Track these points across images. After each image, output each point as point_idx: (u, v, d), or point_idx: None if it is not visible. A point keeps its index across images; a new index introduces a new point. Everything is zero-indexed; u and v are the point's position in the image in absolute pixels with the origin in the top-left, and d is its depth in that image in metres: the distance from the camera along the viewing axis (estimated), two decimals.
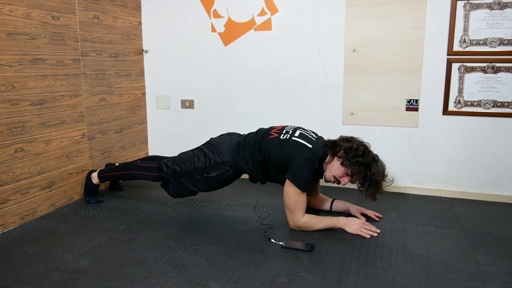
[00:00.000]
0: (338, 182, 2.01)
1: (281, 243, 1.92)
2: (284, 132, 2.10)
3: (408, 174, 2.73)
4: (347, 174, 1.98)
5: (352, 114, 2.76)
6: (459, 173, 2.63)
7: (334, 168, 2.00)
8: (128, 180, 2.62)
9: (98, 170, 2.53)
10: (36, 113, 2.26)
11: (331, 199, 2.34)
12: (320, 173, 2.10)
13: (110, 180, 2.53)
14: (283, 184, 2.05)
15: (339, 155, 1.99)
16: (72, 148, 2.52)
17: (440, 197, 2.65)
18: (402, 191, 2.75)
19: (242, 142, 2.17)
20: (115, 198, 2.59)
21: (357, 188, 2.03)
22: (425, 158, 2.68)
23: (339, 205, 2.31)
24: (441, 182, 2.67)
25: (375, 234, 2.03)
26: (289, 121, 2.91)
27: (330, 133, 2.82)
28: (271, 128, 2.18)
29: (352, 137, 2.07)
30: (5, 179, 2.09)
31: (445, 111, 2.58)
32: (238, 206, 2.45)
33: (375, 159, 1.98)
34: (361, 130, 2.76)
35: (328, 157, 2.03)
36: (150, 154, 3.34)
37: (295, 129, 2.12)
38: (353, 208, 2.25)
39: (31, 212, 2.25)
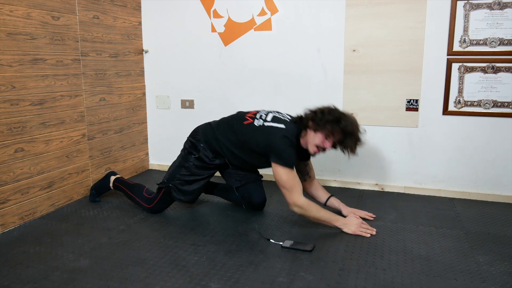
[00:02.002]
0: (324, 150, 2.04)
1: (281, 243, 1.92)
2: (258, 118, 2.14)
3: (408, 174, 2.73)
4: (325, 138, 2.00)
5: (352, 114, 2.75)
6: (459, 173, 2.63)
7: (311, 138, 2.03)
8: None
9: (117, 177, 2.54)
10: (36, 113, 2.26)
11: (329, 194, 2.33)
12: (303, 151, 2.13)
13: (119, 190, 2.52)
14: (259, 167, 2.23)
15: (309, 125, 2.03)
16: (72, 148, 2.52)
17: (440, 197, 2.65)
18: (402, 191, 2.75)
19: (214, 125, 2.26)
20: (115, 198, 2.59)
21: (340, 150, 2.05)
22: (425, 158, 2.68)
23: (334, 202, 2.30)
24: (441, 182, 2.67)
25: (374, 233, 2.04)
26: None
27: None
28: (246, 113, 2.22)
29: (316, 107, 2.10)
30: (5, 179, 2.10)
31: (445, 111, 2.58)
32: (238, 206, 2.45)
33: (343, 113, 2.02)
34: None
35: (302, 132, 2.07)
36: (150, 154, 3.34)
37: (267, 113, 2.16)
38: (346, 210, 2.25)
39: (31, 212, 2.25)
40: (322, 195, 2.33)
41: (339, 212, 2.25)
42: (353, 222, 2.07)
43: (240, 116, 2.21)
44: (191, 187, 2.24)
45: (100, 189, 2.55)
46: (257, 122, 2.11)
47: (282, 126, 2.05)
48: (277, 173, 2.01)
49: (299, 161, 2.25)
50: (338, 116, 1.99)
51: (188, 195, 2.26)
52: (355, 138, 1.99)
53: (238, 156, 2.18)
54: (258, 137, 2.07)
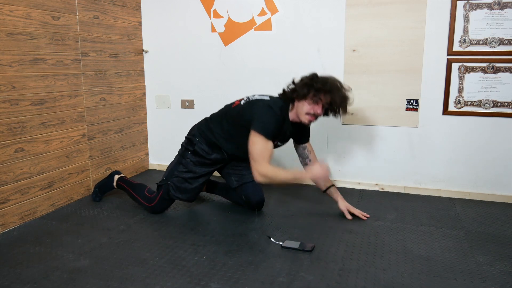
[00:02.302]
0: (316, 116, 2.06)
1: (281, 243, 1.92)
2: (245, 99, 2.17)
3: (408, 174, 2.73)
4: (313, 103, 2.02)
5: (352, 114, 2.76)
6: (459, 173, 2.63)
7: (300, 109, 2.05)
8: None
9: (120, 176, 2.54)
10: (36, 113, 2.26)
11: (331, 183, 2.31)
12: (298, 127, 2.18)
13: (122, 190, 2.52)
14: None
15: (294, 97, 2.06)
16: (72, 148, 2.52)
17: (440, 197, 2.65)
18: (402, 191, 2.75)
19: (209, 118, 2.31)
20: (115, 198, 2.59)
21: (332, 115, 2.09)
22: (425, 158, 2.68)
23: (333, 192, 2.30)
24: (441, 182, 2.67)
25: (325, 166, 2.03)
26: None
27: (330, 133, 2.84)
28: (233, 102, 2.26)
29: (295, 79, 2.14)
30: (5, 179, 2.10)
31: (445, 111, 2.58)
32: (238, 206, 2.45)
33: (323, 76, 2.05)
34: (361, 130, 2.76)
35: (290, 106, 2.11)
36: (150, 154, 3.34)
37: (253, 95, 2.19)
38: (343, 204, 2.28)
39: (31, 212, 2.25)
40: (325, 183, 2.30)
41: (335, 205, 2.28)
42: (317, 168, 2.03)
43: (230, 104, 2.27)
44: (189, 185, 2.24)
45: (103, 188, 2.55)
46: (243, 102, 2.16)
47: (266, 98, 2.10)
48: (252, 141, 1.98)
49: (297, 144, 2.29)
50: (319, 79, 2.02)
51: (186, 193, 2.25)
52: (341, 95, 2.00)
53: (231, 140, 2.19)
54: (245, 110, 2.10)
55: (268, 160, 1.98)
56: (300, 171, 2.15)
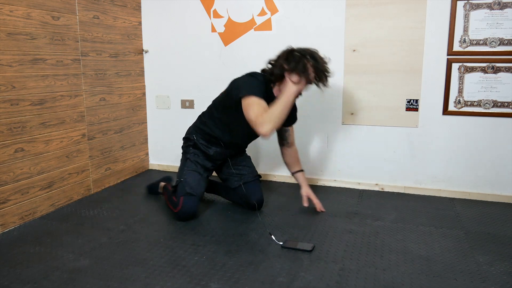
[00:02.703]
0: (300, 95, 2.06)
1: (280, 243, 1.92)
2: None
3: (408, 174, 2.73)
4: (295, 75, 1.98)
5: (352, 114, 2.76)
6: (459, 173, 2.63)
7: (285, 85, 2.00)
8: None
9: (165, 185, 2.54)
10: (36, 113, 2.26)
11: (300, 168, 2.38)
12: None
13: (163, 196, 2.57)
14: (248, 133, 2.06)
15: (274, 79, 2.05)
16: (72, 148, 2.52)
17: (440, 197, 2.65)
18: (402, 191, 2.75)
19: (201, 114, 2.38)
20: (115, 198, 2.59)
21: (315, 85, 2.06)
22: (425, 158, 2.68)
23: (300, 177, 2.36)
24: (441, 182, 2.67)
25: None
26: None
27: (330, 133, 2.84)
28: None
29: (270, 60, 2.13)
30: (5, 179, 2.10)
31: (445, 111, 2.58)
32: (238, 206, 2.45)
33: (297, 47, 2.03)
34: (361, 130, 2.76)
35: (274, 88, 2.09)
36: (150, 154, 3.34)
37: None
38: (304, 190, 2.32)
39: (31, 212, 2.25)
40: (293, 167, 2.39)
41: (299, 187, 2.36)
42: (293, 86, 1.97)
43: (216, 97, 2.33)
44: (199, 177, 2.25)
45: (151, 190, 2.67)
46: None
47: (247, 72, 2.13)
48: (244, 107, 1.94)
49: (281, 126, 2.20)
50: (290, 50, 2.02)
51: (199, 188, 2.25)
52: (320, 59, 1.98)
53: (225, 128, 2.22)
54: (229, 89, 2.12)
55: (264, 109, 1.92)
56: (284, 95, 1.97)
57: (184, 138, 2.39)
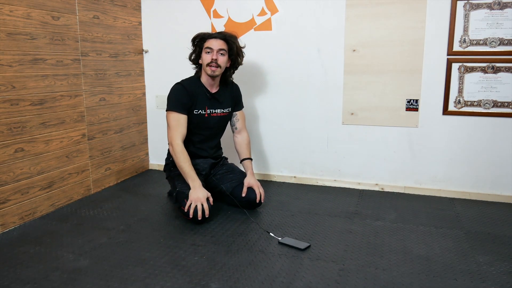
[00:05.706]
0: (215, 62, 2.25)
1: (279, 238, 1.95)
2: None
3: (408, 174, 2.73)
4: (205, 53, 2.28)
5: (352, 114, 2.76)
6: (459, 173, 2.63)
7: (203, 66, 2.31)
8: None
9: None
10: (36, 113, 2.26)
11: (248, 156, 2.46)
12: (225, 92, 2.43)
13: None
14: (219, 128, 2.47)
15: (194, 64, 2.39)
16: (72, 148, 2.52)
17: (440, 197, 2.65)
18: (402, 191, 2.75)
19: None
20: (115, 198, 2.59)
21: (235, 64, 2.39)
22: (425, 158, 2.68)
23: (246, 165, 2.43)
24: (441, 182, 2.67)
25: (199, 217, 2.09)
26: (289, 121, 2.91)
27: (330, 133, 2.84)
28: None
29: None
30: (5, 179, 2.10)
31: (445, 111, 2.58)
32: (238, 206, 2.44)
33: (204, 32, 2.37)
34: (361, 130, 2.76)
35: (202, 76, 2.37)
36: (150, 154, 3.34)
37: None
38: (248, 179, 2.35)
39: (31, 212, 2.25)
40: (241, 154, 2.48)
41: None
42: (199, 193, 2.11)
43: None
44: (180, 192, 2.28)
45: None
46: None
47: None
48: (167, 116, 2.30)
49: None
50: (199, 34, 2.35)
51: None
52: (228, 34, 2.32)
53: (191, 139, 2.39)
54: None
55: (180, 135, 2.25)
56: (194, 179, 2.17)
57: (164, 166, 2.54)
